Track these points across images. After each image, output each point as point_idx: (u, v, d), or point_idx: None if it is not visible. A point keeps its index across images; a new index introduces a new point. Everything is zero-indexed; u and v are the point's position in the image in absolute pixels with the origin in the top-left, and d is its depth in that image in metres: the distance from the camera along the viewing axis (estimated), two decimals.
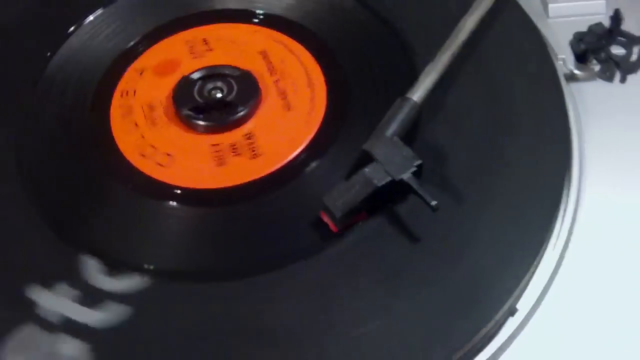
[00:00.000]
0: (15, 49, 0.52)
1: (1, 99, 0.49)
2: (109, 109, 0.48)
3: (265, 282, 0.40)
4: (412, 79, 0.46)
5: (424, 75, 0.46)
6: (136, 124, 0.47)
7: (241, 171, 0.45)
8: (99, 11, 0.53)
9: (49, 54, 0.51)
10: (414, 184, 0.41)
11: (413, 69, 0.48)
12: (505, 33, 0.49)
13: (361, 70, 0.49)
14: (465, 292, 0.40)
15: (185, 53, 0.50)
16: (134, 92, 0.49)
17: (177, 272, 0.42)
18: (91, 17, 0.53)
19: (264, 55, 0.50)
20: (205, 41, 0.51)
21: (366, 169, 0.41)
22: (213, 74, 0.48)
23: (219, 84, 0.48)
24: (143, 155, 0.46)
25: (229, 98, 0.47)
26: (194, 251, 0.43)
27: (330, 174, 0.44)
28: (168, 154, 0.46)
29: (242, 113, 0.47)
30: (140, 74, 0.49)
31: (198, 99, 0.47)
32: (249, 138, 0.46)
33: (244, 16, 0.51)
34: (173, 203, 0.44)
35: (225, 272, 0.42)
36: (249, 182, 0.45)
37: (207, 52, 0.50)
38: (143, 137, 0.47)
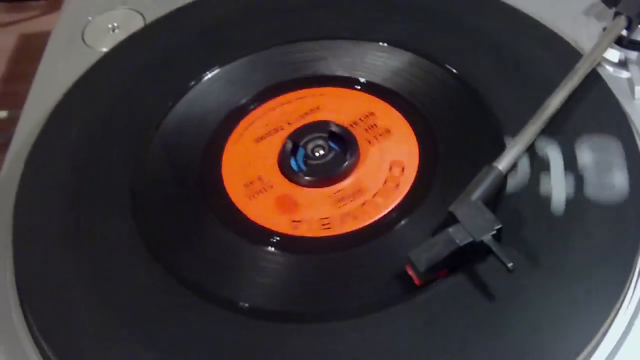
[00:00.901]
0: (139, 98, 0.58)
1: (121, 145, 0.55)
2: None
3: (349, 326, 0.44)
4: (499, 151, 0.49)
5: (511, 146, 0.49)
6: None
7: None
8: (217, 70, 0.59)
9: (170, 104, 0.57)
10: (493, 246, 0.44)
11: (500, 142, 0.51)
12: (591, 111, 0.52)
13: (451, 138, 0.53)
14: (532, 350, 0.42)
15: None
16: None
17: (268, 312, 0.45)
18: (209, 74, 0.58)
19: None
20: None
21: (450, 229, 0.45)
22: (313, 133, 0.53)
23: (320, 142, 0.53)
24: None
25: (329, 157, 0.52)
26: (287, 294, 0.47)
27: (416, 233, 0.48)
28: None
29: (342, 170, 0.51)
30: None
31: (301, 163, 0.53)
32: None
33: (348, 82, 0.57)
34: (271, 248, 0.48)
35: (316, 314, 0.45)
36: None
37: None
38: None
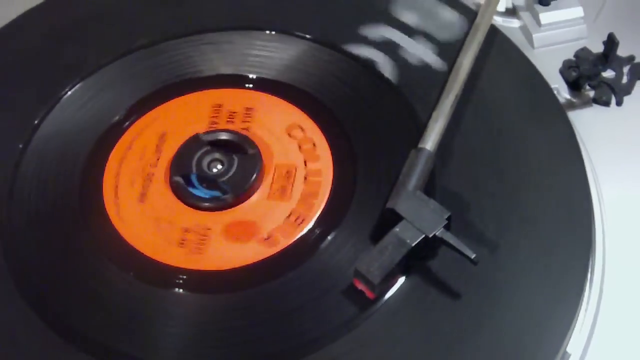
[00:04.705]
0: None
1: None
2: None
3: None
4: (411, 125, 0.45)
5: (433, 121, 0.44)
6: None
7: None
8: (79, 84, 0.49)
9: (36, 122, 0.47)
10: (450, 239, 0.39)
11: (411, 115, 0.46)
12: (498, 66, 0.48)
13: (361, 124, 0.46)
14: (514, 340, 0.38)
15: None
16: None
17: None
18: (69, 92, 0.49)
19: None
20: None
21: (396, 229, 0.39)
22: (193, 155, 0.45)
23: (209, 157, 0.45)
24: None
25: (234, 163, 0.44)
26: (210, 345, 0.39)
27: (345, 245, 0.42)
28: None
29: (258, 165, 0.44)
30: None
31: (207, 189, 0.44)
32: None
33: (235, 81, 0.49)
34: (179, 290, 0.41)
35: None
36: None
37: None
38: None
